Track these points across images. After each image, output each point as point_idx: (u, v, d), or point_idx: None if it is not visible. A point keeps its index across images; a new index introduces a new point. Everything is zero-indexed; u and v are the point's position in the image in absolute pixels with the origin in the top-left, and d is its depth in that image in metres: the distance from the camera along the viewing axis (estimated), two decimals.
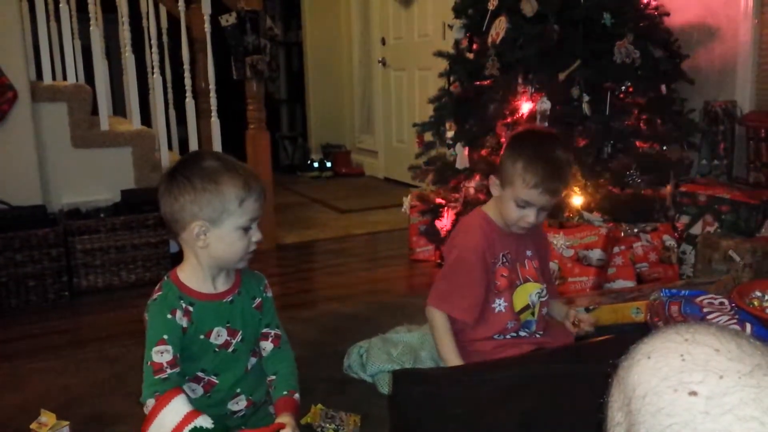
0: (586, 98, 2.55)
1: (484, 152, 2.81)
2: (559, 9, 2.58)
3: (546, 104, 2.54)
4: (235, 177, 1.33)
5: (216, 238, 1.35)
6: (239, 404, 1.46)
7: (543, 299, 1.82)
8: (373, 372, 1.93)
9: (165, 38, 3.96)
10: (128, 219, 2.96)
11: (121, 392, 1.95)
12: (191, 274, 1.40)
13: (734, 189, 2.63)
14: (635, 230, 2.56)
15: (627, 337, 0.54)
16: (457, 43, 3.09)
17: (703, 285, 1.97)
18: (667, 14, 2.85)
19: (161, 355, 1.31)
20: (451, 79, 3.08)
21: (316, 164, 6.03)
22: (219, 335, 1.40)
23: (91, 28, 3.25)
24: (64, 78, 3.37)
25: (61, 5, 3.22)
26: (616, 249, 2.54)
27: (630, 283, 2.49)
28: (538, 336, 1.81)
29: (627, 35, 2.57)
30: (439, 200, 3.12)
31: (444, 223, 3.11)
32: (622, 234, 2.55)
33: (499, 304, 1.76)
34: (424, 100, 3.65)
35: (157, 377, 1.30)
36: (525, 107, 2.60)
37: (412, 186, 3.97)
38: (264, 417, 1.51)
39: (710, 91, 2.97)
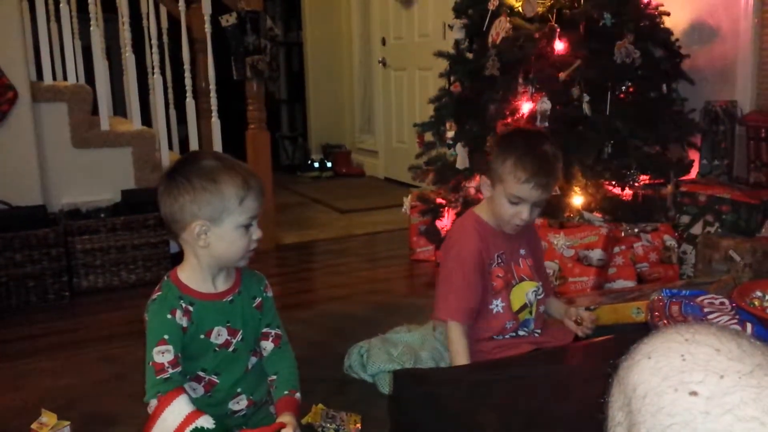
0: (586, 98, 2.55)
1: (485, 154, 2.81)
2: (559, 9, 2.58)
3: (546, 104, 2.54)
4: (234, 176, 1.33)
5: (216, 237, 1.35)
6: (240, 404, 1.46)
7: (540, 297, 1.82)
8: (374, 372, 1.93)
9: (165, 38, 3.95)
10: (128, 219, 2.96)
11: (121, 392, 1.95)
12: (191, 274, 1.40)
13: (734, 189, 2.63)
14: (636, 230, 2.56)
15: (627, 337, 0.54)
16: (457, 43, 3.09)
17: (704, 285, 1.97)
18: (668, 14, 2.85)
19: (162, 355, 1.31)
20: (452, 79, 3.08)
21: (316, 164, 6.03)
22: (219, 335, 1.40)
23: (91, 28, 3.25)
24: (65, 78, 3.37)
25: (61, 5, 3.22)
26: (616, 249, 2.54)
27: (630, 283, 2.49)
28: (536, 335, 1.81)
29: (627, 35, 2.57)
30: (439, 200, 3.12)
31: (444, 223, 3.11)
32: (623, 234, 2.55)
33: (497, 305, 1.75)
34: (424, 100, 3.66)
35: (159, 377, 1.30)
36: (525, 107, 2.60)
37: (412, 186, 3.97)
38: (265, 417, 1.51)
39: (710, 91, 2.97)
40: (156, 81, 3.50)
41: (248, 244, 1.38)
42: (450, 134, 2.99)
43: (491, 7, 2.77)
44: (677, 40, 2.88)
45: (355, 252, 3.57)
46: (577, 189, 2.60)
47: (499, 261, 1.76)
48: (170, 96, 4.01)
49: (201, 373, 1.41)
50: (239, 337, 1.43)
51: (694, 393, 0.44)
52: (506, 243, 1.78)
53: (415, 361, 1.94)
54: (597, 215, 2.59)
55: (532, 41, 2.61)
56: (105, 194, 3.19)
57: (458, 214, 2.98)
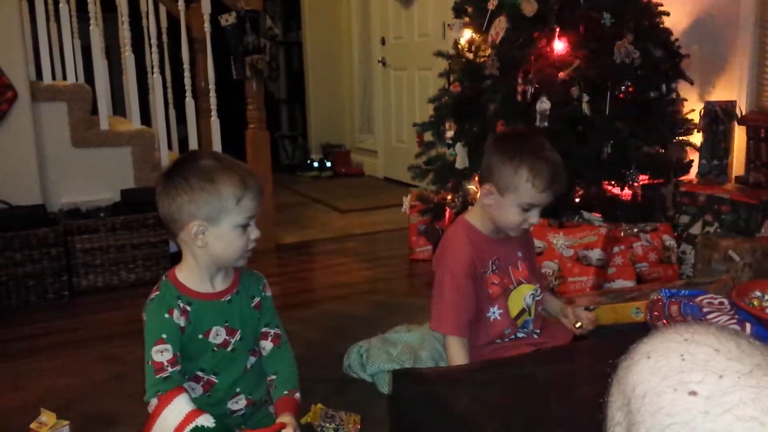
0: (585, 98, 2.55)
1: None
2: (559, 8, 2.58)
3: (546, 104, 2.54)
4: (232, 175, 1.33)
5: (214, 237, 1.35)
6: (239, 403, 1.46)
7: (538, 298, 1.82)
8: (373, 372, 1.94)
9: (165, 38, 3.95)
10: (128, 218, 2.96)
11: (121, 392, 1.95)
12: (189, 274, 1.40)
13: (734, 189, 2.63)
14: (635, 230, 2.56)
15: (627, 337, 0.54)
16: (457, 42, 3.09)
17: (703, 285, 1.97)
18: (667, 14, 2.85)
19: (161, 354, 1.31)
20: (451, 78, 3.08)
21: (315, 164, 6.03)
22: (217, 334, 1.40)
23: (90, 27, 3.25)
24: (64, 78, 3.37)
25: (60, 5, 3.22)
26: (615, 249, 2.54)
27: (630, 283, 2.49)
28: (535, 336, 1.81)
29: (627, 35, 2.57)
30: (438, 200, 3.12)
31: (444, 223, 3.11)
32: (622, 234, 2.55)
33: (494, 312, 1.74)
34: (423, 100, 3.66)
35: (158, 376, 1.30)
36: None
37: (411, 186, 3.97)
38: (264, 416, 1.51)
39: (710, 91, 2.98)
40: (155, 80, 3.50)
41: (246, 244, 1.38)
42: (449, 134, 2.99)
43: (491, 6, 2.77)
44: (677, 40, 2.88)
45: (355, 252, 3.57)
46: (576, 189, 2.60)
47: (494, 268, 1.75)
48: (170, 95, 4.01)
49: (200, 373, 1.41)
50: (238, 336, 1.43)
51: (693, 393, 0.44)
52: (501, 248, 1.76)
53: (414, 360, 1.94)
54: (596, 215, 2.59)
55: (531, 41, 2.61)
56: (104, 194, 3.19)
57: (457, 214, 2.98)
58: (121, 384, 2.01)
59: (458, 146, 2.90)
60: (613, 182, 2.65)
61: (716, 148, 2.86)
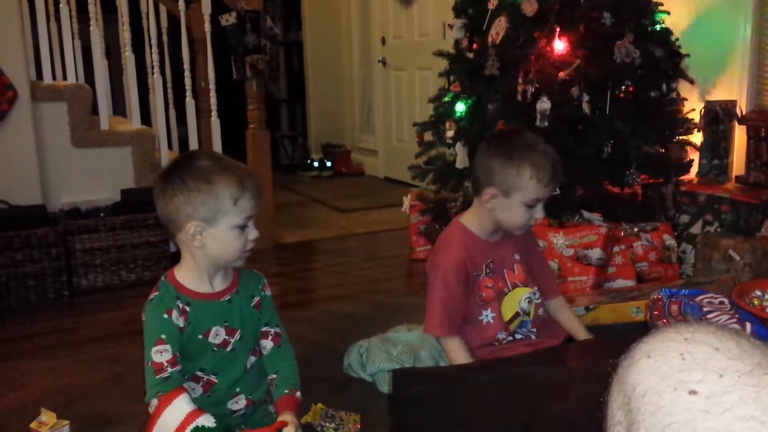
0: (586, 98, 2.55)
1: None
2: (559, 8, 2.58)
3: (546, 104, 2.54)
4: (229, 176, 1.33)
5: (212, 238, 1.34)
6: (239, 403, 1.46)
7: (537, 302, 1.81)
8: (373, 371, 1.93)
9: (165, 38, 3.95)
10: (128, 218, 2.96)
11: (121, 391, 1.95)
12: (188, 274, 1.40)
13: (734, 188, 2.63)
14: (635, 229, 2.56)
15: (627, 336, 0.54)
16: (457, 42, 3.09)
17: (703, 284, 1.97)
18: (668, 13, 2.85)
19: (161, 354, 1.31)
20: (451, 78, 3.08)
21: (316, 164, 6.03)
22: (217, 334, 1.40)
23: (91, 28, 3.25)
24: (64, 78, 3.37)
25: (61, 5, 3.22)
26: (615, 248, 2.54)
27: (630, 283, 2.49)
28: (532, 337, 1.81)
29: (627, 35, 2.57)
30: (439, 199, 3.13)
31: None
32: (622, 233, 2.55)
33: (487, 315, 1.74)
34: (424, 100, 3.66)
35: (158, 377, 1.30)
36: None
37: (412, 185, 3.97)
38: (264, 416, 1.51)
39: (710, 91, 2.98)
40: (156, 80, 3.50)
41: (244, 244, 1.37)
42: (449, 134, 2.99)
43: (491, 6, 2.77)
44: (677, 39, 2.88)
45: (355, 251, 3.57)
46: (576, 188, 2.60)
47: (488, 271, 1.74)
48: (170, 96, 4.01)
49: (199, 373, 1.41)
50: (237, 336, 1.43)
51: (693, 392, 0.44)
52: (497, 251, 1.76)
53: (414, 360, 1.94)
54: (596, 214, 2.59)
55: (531, 41, 2.61)
56: (105, 193, 3.19)
57: (456, 213, 2.98)
58: (121, 384, 2.01)
59: (458, 146, 2.90)
60: (613, 182, 2.65)
61: (716, 147, 2.86)
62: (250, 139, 3.55)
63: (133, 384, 1.96)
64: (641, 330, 0.55)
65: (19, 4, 3.02)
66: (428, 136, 3.21)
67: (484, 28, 2.82)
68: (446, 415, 1.24)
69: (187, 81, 3.42)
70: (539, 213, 1.68)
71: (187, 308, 1.37)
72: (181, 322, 1.35)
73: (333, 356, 2.08)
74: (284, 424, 1.33)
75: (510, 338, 1.78)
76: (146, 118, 3.70)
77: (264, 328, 1.50)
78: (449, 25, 3.19)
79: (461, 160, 2.88)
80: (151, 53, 3.53)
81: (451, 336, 1.71)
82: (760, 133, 2.69)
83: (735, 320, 1.58)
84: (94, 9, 3.25)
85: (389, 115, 5.49)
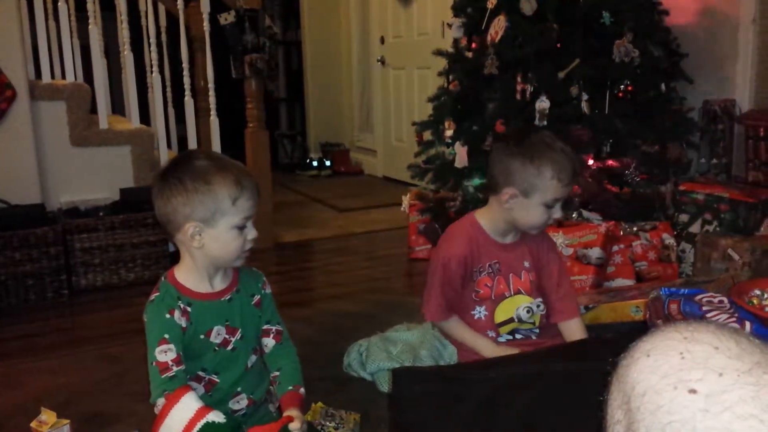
0: (585, 97, 2.55)
1: (485, 153, 2.81)
2: (558, 7, 2.58)
3: (545, 103, 2.54)
4: (227, 176, 1.32)
5: (211, 238, 1.34)
6: (240, 403, 1.46)
7: (541, 313, 1.79)
8: (373, 370, 1.94)
9: (164, 37, 3.95)
10: (127, 218, 2.96)
11: (120, 391, 1.95)
12: (188, 274, 1.40)
13: (733, 188, 2.63)
14: (634, 229, 2.56)
15: (626, 336, 0.54)
16: (456, 41, 3.09)
17: (702, 283, 1.97)
18: (667, 13, 2.85)
19: (165, 354, 1.31)
20: (450, 77, 3.08)
21: (315, 163, 6.03)
22: (218, 334, 1.40)
23: (89, 26, 3.25)
24: (63, 77, 3.37)
25: (59, 4, 3.21)
26: (615, 247, 2.54)
27: (629, 282, 2.50)
28: (533, 337, 1.81)
29: (626, 34, 2.57)
30: (438, 199, 3.13)
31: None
32: (621, 232, 2.55)
33: (479, 311, 1.76)
34: (423, 99, 3.66)
35: (164, 376, 1.29)
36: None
37: (411, 185, 3.97)
38: (264, 415, 1.51)
39: (709, 90, 2.98)
40: (154, 79, 3.50)
41: (243, 244, 1.37)
42: (449, 133, 2.99)
43: (490, 5, 2.77)
44: (676, 38, 2.88)
45: (354, 250, 3.57)
46: (576, 187, 2.60)
47: (490, 270, 1.74)
48: (169, 94, 4.00)
49: (201, 373, 1.41)
50: (238, 335, 1.43)
51: (693, 391, 0.44)
52: (506, 254, 1.75)
53: (414, 359, 1.94)
54: (595, 214, 2.59)
55: (530, 40, 2.61)
56: (103, 193, 3.19)
57: (457, 213, 2.98)
58: (120, 383, 2.01)
59: (457, 145, 2.90)
60: (612, 181, 2.65)
61: (715, 147, 2.86)
62: (249, 138, 3.55)
63: (132, 383, 1.96)
64: (641, 329, 0.55)
65: (17, 2, 3.02)
66: (427, 136, 3.21)
67: (483, 27, 2.82)
68: (446, 414, 1.25)
69: (186, 80, 3.42)
70: (557, 213, 1.68)
71: (189, 308, 1.36)
72: (183, 322, 1.35)
73: (332, 355, 2.08)
74: (290, 419, 1.33)
75: (509, 337, 1.78)
76: (145, 117, 3.69)
77: (265, 326, 1.50)
78: (448, 24, 3.19)
79: (460, 160, 2.88)
80: (150, 52, 3.53)
81: (448, 319, 1.75)
82: (759, 132, 2.69)
83: (734, 319, 1.58)
84: (92, 8, 3.25)
85: (388, 115, 5.49)
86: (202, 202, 1.31)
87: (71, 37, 3.34)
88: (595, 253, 2.47)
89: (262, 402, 1.52)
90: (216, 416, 1.26)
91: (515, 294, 1.76)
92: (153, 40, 3.47)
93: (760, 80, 2.87)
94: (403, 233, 3.51)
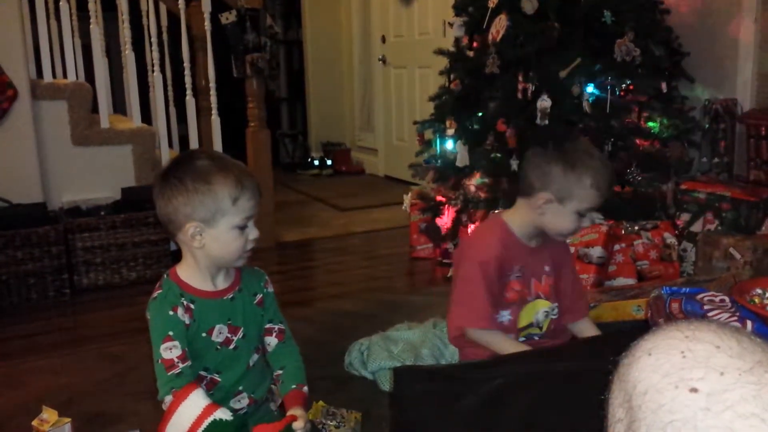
0: (586, 96, 2.55)
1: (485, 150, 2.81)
2: (560, 7, 2.58)
3: (547, 102, 2.54)
4: (227, 175, 1.32)
5: (212, 238, 1.34)
6: (241, 402, 1.46)
7: (553, 317, 1.79)
8: (374, 369, 1.94)
9: (165, 36, 3.95)
10: (129, 217, 2.96)
11: (122, 390, 1.95)
12: (190, 273, 1.40)
13: (735, 187, 2.63)
14: (636, 228, 2.56)
15: (628, 335, 0.54)
16: (457, 40, 3.09)
17: (704, 282, 1.97)
18: (668, 12, 2.85)
19: (170, 351, 1.30)
20: (452, 76, 3.08)
21: (316, 162, 6.03)
22: (220, 333, 1.40)
23: (91, 26, 3.25)
24: (65, 76, 3.37)
25: (61, 3, 3.21)
26: (616, 247, 2.54)
27: (630, 281, 2.49)
28: (536, 338, 1.80)
29: (627, 33, 2.57)
30: (439, 198, 3.13)
31: (444, 220, 3.11)
32: (623, 232, 2.55)
33: (504, 316, 1.72)
34: (424, 98, 3.66)
35: (170, 373, 1.29)
36: None
37: (412, 184, 3.97)
38: (265, 414, 1.51)
39: (711, 89, 2.97)
40: (156, 79, 3.50)
41: (244, 244, 1.37)
42: (450, 132, 2.99)
43: (491, 4, 2.77)
44: (677, 38, 2.88)
45: (355, 250, 3.57)
46: None
47: (518, 274, 1.72)
48: (170, 94, 4.00)
49: (203, 372, 1.40)
50: (240, 334, 1.43)
51: (694, 390, 0.44)
52: (530, 257, 1.73)
53: (415, 358, 1.94)
54: (597, 213, 2.59)
55: (532, 39, 2.60)
56: (105, 192, 3.19)
57: (458, 212, 2.98)
58: (122, 382, 2.01)
59: (458, 144, 2.90)
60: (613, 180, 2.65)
61: (716, 146, 2.86)
62: (251, 137, 3.55)
63: (134, 382, 1.97)
64: (642, 328, 0.55)
65: (19, 2, 3.02)
66: (428, 135, 3.21)
67: (484, 26, 2.82)
68: (447, 413, 1.25)
69: (188, 79, 3.42)
70: (587, 222, 1.68)
71: (192, 306, 1.36)
72: (186, 319, 1.35)
73: (334, 354, 2.08)
74: (294, 418, 1.33)
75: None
76: (146, 116, 3.69)
77: (268, 325, 1.50)
78: (449, 23, 3.19)
79: (461, 158, 2.88)
80: (151, 51, 3.53)
81: (491, 329, 1.66)
82: (761, 131, 2.69)
83: (736, 318, 1.58)
84: (94, 7, 3.25)
85: (389, 114, 5.49)
86: (202, 202, 1.30)
87: (73, 36, 3.34)
88: (596, 252, 2.47)
89: (263, 401, 1.53)
90: (223, 413, 1.26)
91: (536, 298, 1.75)
92: (154, 39, 3.48)
93: (761, 79, 2.87)
94: (404, 232, 3.51)
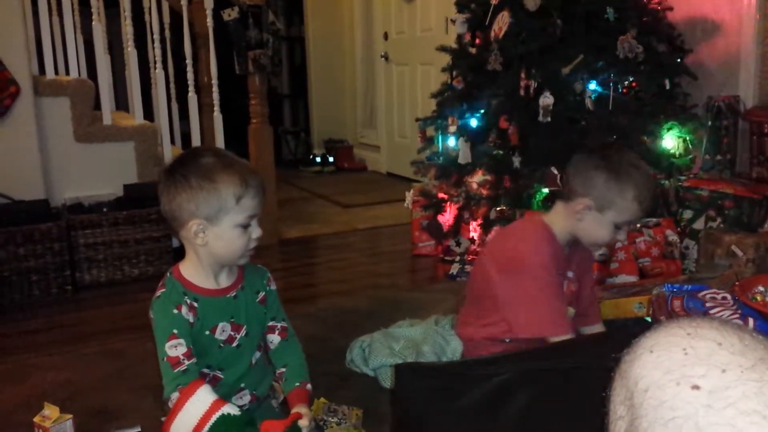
0: (589, 93, 2.54)
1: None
2: (562, 3, 2.57)
3: (549, 99, 2.53)
4: (232, 174, 1.32)
5: (215, 236, 1.34)
6: (243, 399, 1.46)
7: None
8: (376, 366, 1.94)
9: (167, 33, 3.95)
10: (131, 213, 2.96)
11: (124, 386, 1.95)
12: (194, 271, 1.40)
13: (737, 184, 2.62)
14: (638, 225, 2.56)
15: (629, 332, 0.54)
16: (459, 37, 3.08)
17: (706, 280, 1.97)
18: (671, 9, 2.85)
19: (175, 348, 1.31)
20: (454, 73, 3.08)
21: (318, 159, 6.03)
22: (223, 331, 1.40)
23: (93, 22, 3.25)
24: (67, 72, 3.37)
25: (63, 0, 3.21)
26: (618, 244, 2.54)
27: (632, 278, 2.49)
28: None
29: (630, 30, 2.56)
30: (441, 195, 3.12)
31: (446, 218, 3.11)
32: None
33: None
34: (426, 95, 3.65)
35: (176, 370, 1.30)
36: None
37: (414, 181, 3.97)
38: (266, 411, 1.51)
39: (713, 86, 2.97)
40: (158, 75, 3.50)
41: (247, 243, 1.37)
42: (452, 129, 2.99)
43: (493, 1, 2.76)
44: (680, 35, 2.87)
45: (357, 247, 3.57)
46: None
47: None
48: (172, 90, 4.00)
49: (205, 370, 1.41)
50: (243, 332, 1.43)
51: (696, 387, 0.44)
52: (562, 263, 1.72)
53: (416, 355, 1.94)
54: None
55: (534, 35, 2.60)
56: (107, 188, 3.20)
57: (460, 209, 2.98)
58: (124, 378, 2.01)
59: (460, 141, 2.89)
60: None
61: (720, 143, 2.85)
62: (253, 134, 3.55)
63: (136, 378, 1.97)
64: (644, 325, 0.55)
65: None
66: (430, 132, 3.21)
67: (486, 23, 2.82)
68: (448, 410, 1.25)
69: (190, 76, 3.42)
70: (622, 235, 1.67)
71: (195, 304, 1.37)
72: (190, 318, 1.35)
73: (335, 351, 2.08)
74: (299, 416, 1.33)
75: None
76: (149, 113, 3.69)
77: (270, 323, 1.51)
78: (452, 20, 3.19)
79: (463, 156, 2.87)
80: (153, 48, 3.53)
81: (571, 331, 1.63)
82: (764, 129, 2.68)
83: (737, 316, 1.58)
84: (96, 3, 3.25)
85: (391, 111, 5.48)
86: (206, 199, 1.31)
87: (75, 32, 3.34)
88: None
89: (264, 398, 1.53)
90: (231, 408, 1.27)
91: None
92: (156, 36, 3.48)
93: (764, 76, 2.86)
94: (406, 229, 3.51)
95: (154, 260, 3.01)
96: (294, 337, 1.54)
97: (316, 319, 2.45)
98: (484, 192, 2.84)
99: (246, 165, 1.38)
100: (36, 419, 1.62)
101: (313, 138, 6.36)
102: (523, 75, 2.61)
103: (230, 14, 3.37)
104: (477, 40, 2.96)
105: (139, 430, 1.64)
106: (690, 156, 2.87)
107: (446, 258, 3.14)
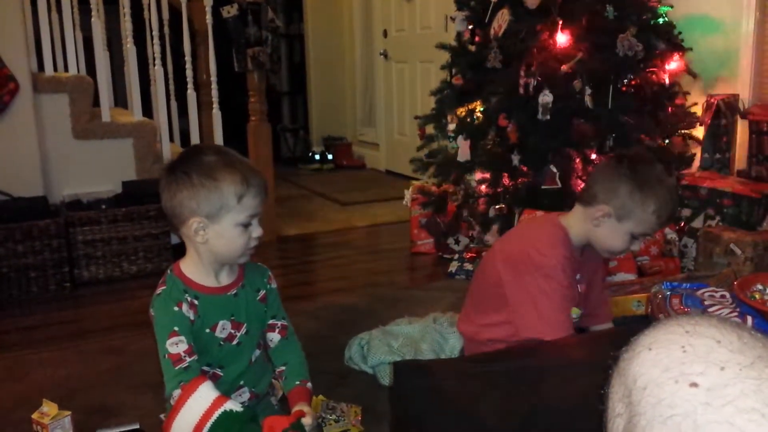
0: (588, 91, 2.54)
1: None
2: (562, 1, 2.57)
3: (548, 97, 2.53)
4: (234, 172, 1.31)
5: (215, 234, 1.34)
6: (242, 396, 1.46)
7: (576, 322, 1.79)
8: (374, 363, 1.94)
9: (166, 30, 3.94)
10: (129, 210, 2.96)
11: (123, 383, 1.95)
12: (194, 269, 1.40)
13: (736, 182, 2.62)
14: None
15: (628, 329, 0.54)
16: (459, 35, 3.08)
17: (704, 278, 1.97)
18: (670, 7, 2.84)
19: (176, 345, 1.30)
20: (453, 71, 3.07)
21: (317, 156, 6.03)
22: (223, 329, 1.40)
23: (92, 19, 3.25)
24: (66, 69, 3.37)
25: None
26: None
27: (631, 276, 2.49)
28: None
29: (630, 28, 2.56)
30: (440, 193, 3.12)
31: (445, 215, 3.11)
32: None
33: None
34: (425, 93, 3.65)
35: (178, 368, 1.29)
36: None
37: (413, 179, 3.96)
38: (266, 408, 1.51)
39: (713, 85, 2.97)
40: (157, 72, 3.49)
41: (247, 242, 1.36)
42: (451, 127, 2.99)
43: None
44: (680, 33, 2.87)
45: (356, 244, 3.57)
46: (577, 182, 2.60)
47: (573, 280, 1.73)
48: (171, 87, 3.99)
49: (206, 368, 1.40)
50: (243, 330, 1.43)
51: (694, 384, 0.44)
52: (575, 266, 1.72)
53: (415, 352, 1.94)
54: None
55: (534, 33, 2.60)
56: (106, 185, 3.19)
57: (459, 207, 2.98)
58: (122, 375, 2.01)
59: (460, 139, 2.89)
60: None
61: (719, 141, 2.85)
62: (252, 131, 3.54)
63: (134, 375, 1.97)
64: (642, 323, 0.55)
65: None
66: (430, 129, 3.20)
67: (486, 20, 2.81)
68: (447, 407, 1.25)
69: (189, 73, 3.41)
70: (637, 246, 1.66)
71: (196, 302, 1.36)
72: (191, 315, 1.35)
73: (334, 349, 2.09)
74: (302, 414, 1.33)
75: None
76: (147, 110, 3.69)
77: (270, 321, 1.51)
78: (451, 17, 3.18)
79: (462, 153, 2.87)
80: (152, 45, 3.52)
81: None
82: (763, 127, 2.68)
83: (736, 314, 1.58)
84: (95, 0, 3.25)
85: (391, 108, 5.48)
86: (207, 197, 1.30)
87: (74, 29, 3.34)
88: None
89: (264, 395, 1.53)
90: (233, 405, 1.26)
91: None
92: (156, 32, 3.47)
93: (763, 75, 2.86)
94: (405, 227, 3.51)
95: (152, 257, 3.01)
96: (294, 336, 1.54)
97: (314, 316, 2.45)
98: (483, 190, 2.84)
99: (248, 164, 1.38)
100: (34, 416, 1.62)
101: (312, 135, 6.36)
102: (522, 73, 2.61)
103: (229, 11, 3.36)
104: (477, 38, 2.96)
105: (138, 426, 1.64)
106: (689, 154, 2.87)
107: (445, 256, 3.14)
